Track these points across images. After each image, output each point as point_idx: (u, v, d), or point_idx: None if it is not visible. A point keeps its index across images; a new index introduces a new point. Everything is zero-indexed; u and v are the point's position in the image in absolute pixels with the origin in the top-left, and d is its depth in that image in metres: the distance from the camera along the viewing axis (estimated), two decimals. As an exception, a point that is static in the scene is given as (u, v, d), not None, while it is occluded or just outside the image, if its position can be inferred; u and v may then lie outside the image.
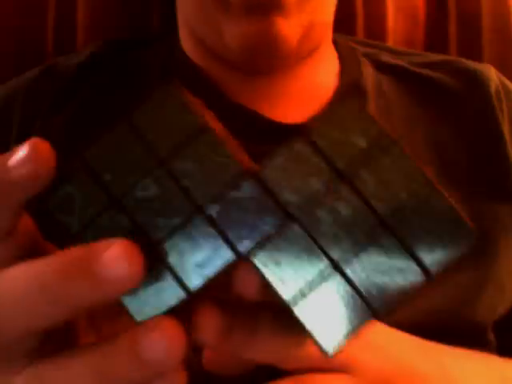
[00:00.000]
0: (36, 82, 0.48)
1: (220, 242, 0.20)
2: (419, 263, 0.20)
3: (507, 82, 0.50)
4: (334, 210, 0.20)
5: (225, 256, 0.20)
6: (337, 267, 0.20)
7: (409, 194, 0.20)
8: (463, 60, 0.51)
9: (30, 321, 0.19)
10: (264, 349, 0.23)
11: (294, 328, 0.23)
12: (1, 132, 0.45)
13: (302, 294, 0.20)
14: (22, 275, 0.19)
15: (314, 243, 0.20)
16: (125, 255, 0.18)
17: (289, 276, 0.20)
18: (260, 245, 0.20)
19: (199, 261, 0.20)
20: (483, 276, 0.43)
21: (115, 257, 0.18)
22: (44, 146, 0.19)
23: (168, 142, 0.20)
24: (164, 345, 0.18)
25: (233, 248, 0.20)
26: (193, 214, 0.20)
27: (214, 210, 0.20)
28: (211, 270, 0.20)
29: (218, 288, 0.22)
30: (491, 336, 0.45)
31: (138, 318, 0.20)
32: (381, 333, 0.28)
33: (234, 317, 0.23)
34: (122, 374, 0.19)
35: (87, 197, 0.21)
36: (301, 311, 0.20)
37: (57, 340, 0.21)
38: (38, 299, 0.19)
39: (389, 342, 0.28)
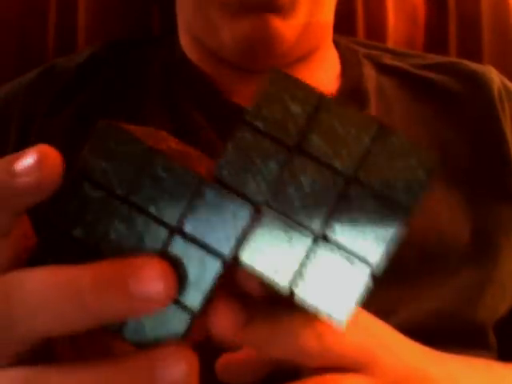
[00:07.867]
0: (35, 83, 0.48)
1: (204, 254, 0.20)
2: (397, 204, 0.20)
3: (508, 83, 0.50)
4: (299, 184, 0.20)
5: (213, 266, 0.20)
6: (321, 237, 0.20)
7: (361, 141, 0.20)
8: (464, 61, 0.51)
9: (51, 325, 0.18)
10: (285, 343, 0.23)
11: (313, 322, 0.23)
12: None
13: (299, 275, 0.20)
14: (52, 279, 0.18)
15: (291, 222, 0.20)
16: (161, 276, 0.18)
17: (279, 262, 0.20)
18: (241, 242, 0.20)
19: (192, 278, 0.20)
20: (484, 276, 0.43)
21: (153, 277, 0.18)
22: (53, 155, 0.19)
23: (123, 176, 0.20)
24: (181, 369, 0.18)
25: (218, 256, 0.20)
26: (169, 237, 0.20)
27: (187, 226, 0.20)
28: (206, 284, 0.20)
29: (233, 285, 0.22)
30: (492, 337, 0.45)
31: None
32: (393, 337, 0.28)
33: (254, 311, 0.22)
34: None
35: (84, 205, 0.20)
36: (303, 291, 0.20)
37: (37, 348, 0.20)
38: (66, 305, 0.18)
39: (402, 346, 0.28)
